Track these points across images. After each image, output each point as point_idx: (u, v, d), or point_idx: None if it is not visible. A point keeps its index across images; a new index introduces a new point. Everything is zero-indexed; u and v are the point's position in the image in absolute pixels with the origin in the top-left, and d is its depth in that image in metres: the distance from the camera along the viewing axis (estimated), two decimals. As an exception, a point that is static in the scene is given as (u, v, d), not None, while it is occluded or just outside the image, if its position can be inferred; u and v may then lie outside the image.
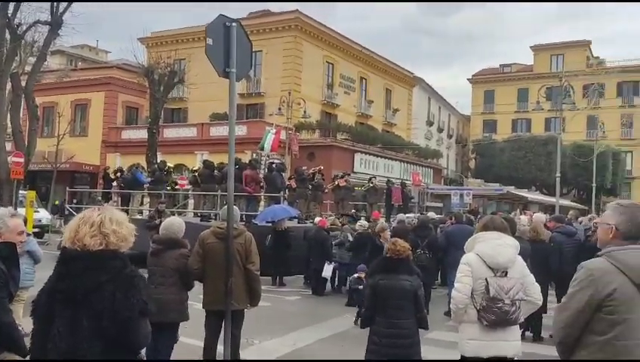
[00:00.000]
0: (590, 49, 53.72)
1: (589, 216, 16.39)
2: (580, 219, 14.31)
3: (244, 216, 13.40)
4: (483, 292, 4.05)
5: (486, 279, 4.05)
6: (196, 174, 16.95)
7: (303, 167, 18.57)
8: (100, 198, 20.50)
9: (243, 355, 5.70)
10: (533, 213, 15.21)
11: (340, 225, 13.10)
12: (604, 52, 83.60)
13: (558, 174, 26.72)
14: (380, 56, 40.16)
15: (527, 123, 53.09)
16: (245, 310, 5.46)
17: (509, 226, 4.56)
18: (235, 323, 5.25)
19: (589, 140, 42.71)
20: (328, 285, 11.84)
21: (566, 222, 9.81)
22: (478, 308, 4.06)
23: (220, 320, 5.24)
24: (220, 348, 5.30)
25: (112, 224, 2.61)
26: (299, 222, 15.05)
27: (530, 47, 54.99)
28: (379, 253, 8.44)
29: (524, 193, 35.54)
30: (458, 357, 4.28)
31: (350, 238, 11.45)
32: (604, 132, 42.18)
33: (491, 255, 4.12)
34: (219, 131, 28.66)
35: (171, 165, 19.45)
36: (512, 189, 33.78)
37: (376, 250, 8.57)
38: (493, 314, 4.00)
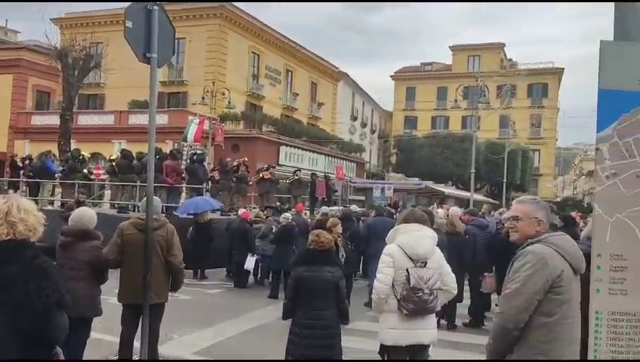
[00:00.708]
0: (504, 51, 56.69)
1: (500, 210, 17.39)
2: (492, 212, 15.12)
3: (164, 208, 12.97)
4: (404, 282, 4.16)
5: (407, 269, 4.16)
6: (113, 164, 16.22)
7: (227, 159, 18.25)
8: (6, 187, 19.10)
9: (162, 350, 5.53)
10: (450, 206, 15.86)
11: (264, 217, 13.03)
12: (516, 55, 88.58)
13: (472, 170, 28.09)
14: (306, 49, 40.24)
15: (446, 120, 55.29)
16: (165, 304, 5.31)
17: (428, 219, 4.72)
18: (153, 317, 5.08)
19: (501, 138, 45.12)
20: (251, 278, 11.76)
21: (479, 216, 10.32)
22: (398, 297, 4.17)
23: (138, 314, 5.05)
24: (137, 343, 5.11)
25: (19, 213, 2.45)
26: (222, 215, 14.81)
27: (450, 47, 57.25)
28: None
29: (441, 188, 36.98)
30: (377, 347, 4.39)
31: (274, 230, 11.41)
32: (514, 131, 44.80)
33: (412, 246, 4.24)
34: (138, 119, 27.59)
35: (86, 154, 18.43)
36: (430, 184, 35.04)
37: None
38: (413, 303, 4.12)
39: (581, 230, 6.21)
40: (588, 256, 2.74)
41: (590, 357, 2.41)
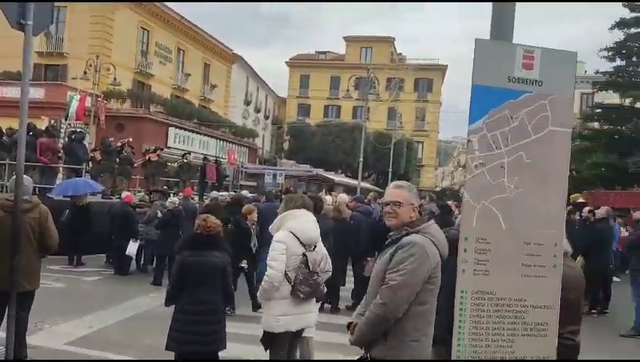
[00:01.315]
0: (394, 45, 58.99)
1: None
2: (377, 200, 15.76)
3: (37, 189, 12.00)
4: (299, 266, 4.22)
5: (304, 254, 4.25)
6: (-22, 139, 14.69)
7: (110, 139, 17.26)
8: None
9: (30, 341, 5.13)
10: (338, 193, 16.32)
11: (148, 201, 12.53)
12: (405, 50, 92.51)
13: (361, 159, 29.06)
14: (200, 28, 39.01)
15: (338, 109, 56.54)
16: (36, 292, 4.94)
17: (313, 205, 4.84)
18: (21, 305, 4.71)
19: (388, 130, 47.05)
20: (133, 264, 11.27)
21: (365, 203, 10.73)
22: (293, 283, 4.21)
23: (4, 302, 4.65)
24: (2, 333, 4.71)
25: None
26: (103, 198, 14.02)
27: (344, 37, 58.46)
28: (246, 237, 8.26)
29: (331, 175, 37.82)
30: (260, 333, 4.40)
31: (160, 215, 11.00)
32: (401, 123, 46.91)
33: (304, 231, 4.32)
34: (10, 92, 25.02)
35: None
36: (321, 171, 35.70)
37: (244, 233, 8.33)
38: (310, 286, 4.23)
39: (456, 217, 6.70)
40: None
41: (456, 330, 2.59)
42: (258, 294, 4.53)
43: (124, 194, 12.20)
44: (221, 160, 22.78)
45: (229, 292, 4.97)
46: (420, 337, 2.83)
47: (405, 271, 2.75)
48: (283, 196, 13.64)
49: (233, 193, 14.65)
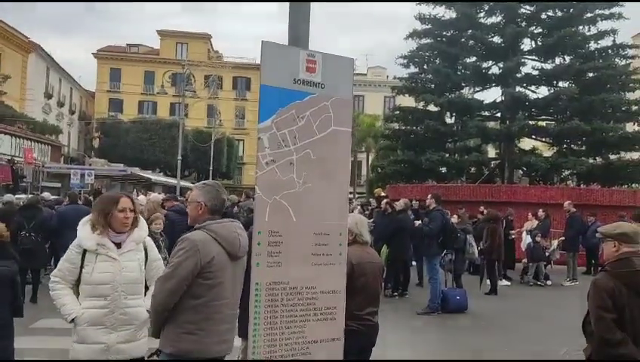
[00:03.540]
0: (211, 43, 58.38)
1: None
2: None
3: None
4: None
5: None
6: None
7: None
8: None
9: None
10: (152, 193, 15.73)
11: None
12: (222, 47, 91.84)
13: (179, 157, 28.36)
14: (-13, 10, 34.27)
15: (154, 105, 54.19)
16: None
17: None
18: None
19: (208, 128, 46.53)
20: None
21: (181, 201, 10.52)
22: None
23: None
24: None
25: None
26: None
27: (157, 31, 56.08)
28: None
29: (148, 174, 36.19)
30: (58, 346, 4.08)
31: None
32: (220, 121, 46.74)
33: None
34: None
35: None
36: (136, 170, 33.94)
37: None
38: None
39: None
40: None
41: (251, 320, 2.70)
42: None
43: None
44: (17, 159, 20.33)
45: (18, 304, 4.56)
46: (195, 330, 2.91)
47: (172, 264, 2.91)
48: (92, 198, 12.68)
49: (31, 195, 13.19)
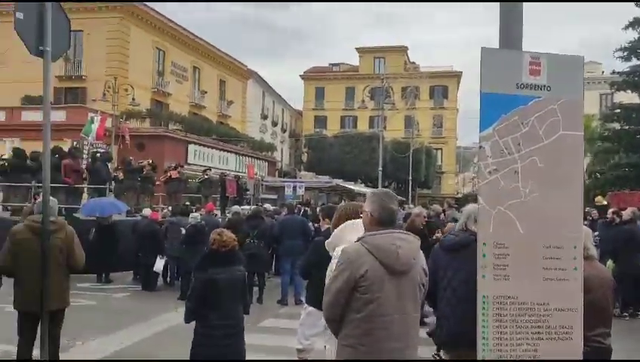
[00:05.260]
0: (407, 54, 59.02)
1: (406, 206, 18.26)
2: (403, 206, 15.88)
3: (63, 210, 12.28)
4: None
5: None
6: (5, 163, 15.10)
7: (130, 158, 17.58)
8: None
9: (63, 357, 5.27)
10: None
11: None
12: (419, 57, 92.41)
13: (380, 168, 29.10)
14: (213, 46, 39.57)
15: (354, 120, 56.67)
16: (67, 310, 5.08)
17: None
18: (54, 324, 4.85)
19: (406, 138, 46.96)
20: (160, 280, 11.43)
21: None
22: None
23: (36, 321, 4.80)
24: (37, 351, 4.86)
25: None
26: (127, 216, 14.26)
27: (356, 48, 58.68)
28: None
29: (351, 185, 37.86)
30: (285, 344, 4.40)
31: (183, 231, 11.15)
32: (418, 131, 46.83)
33: None
34: (32, 116, 25.75)
35: (-26, 153, 17.02)
36: (340, 182, 35.77)
37: None
38: None
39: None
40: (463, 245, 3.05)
41: (479, 334, 2.63)
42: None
43: (147, 211, 12.41)
44: (241, 174, 23.02)
45: (247, 303, 5.07)
46: (355, 344, 2.76)
47: (330, 277, 2.88)
48: (317, 207, 13.63)
49: (254, 206, 14.78)
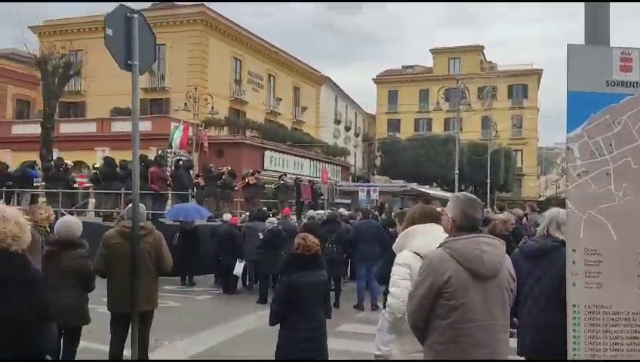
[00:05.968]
0: (483, 53, 57.32)
1: (485, 210, 17.65)
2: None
3: (150, 215, 12.95)
4: None
5: None
6: (97, 172, 16.13)
7: (210, 165, 18.25)
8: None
9: (152, 357, 5.55)
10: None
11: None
12: (495, 56, 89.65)
13: (456, 171, 28.45)
14: (287, 53, 40.35)
15: (429, 122, 55.73)
16: (155, 311, 5.34)
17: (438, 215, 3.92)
18: (143, 324, 5.11)
19: (483, 140, 45.56)
20: (239, 283, 11.77)
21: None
22: None
23: (127, 322, 5.08)
24: (127, 351, 5.14)
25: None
26: (208, 220, 14.80)
27: (430, 50, 57.75)
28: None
29: (426, 189, 37.21)
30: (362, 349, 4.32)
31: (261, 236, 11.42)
32: (496, 132, 45.27)
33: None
34: (121, 127, 27.41)
35: (69, 162, 18.29)
36: (415, 186, 35.26)
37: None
38: None
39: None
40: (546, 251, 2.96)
41: (570, 346, 2.51)
42: (387, 328, 4.05)
43: (227, 216, 12.81)
44: (315, 179, 23.28)
45: (329, 307, 5.11)
46: (442, 351, 2.71)
47: (414, 283, 2.85)
48: (381, 211, 13.55)
49: (329, 211, 14.88)
